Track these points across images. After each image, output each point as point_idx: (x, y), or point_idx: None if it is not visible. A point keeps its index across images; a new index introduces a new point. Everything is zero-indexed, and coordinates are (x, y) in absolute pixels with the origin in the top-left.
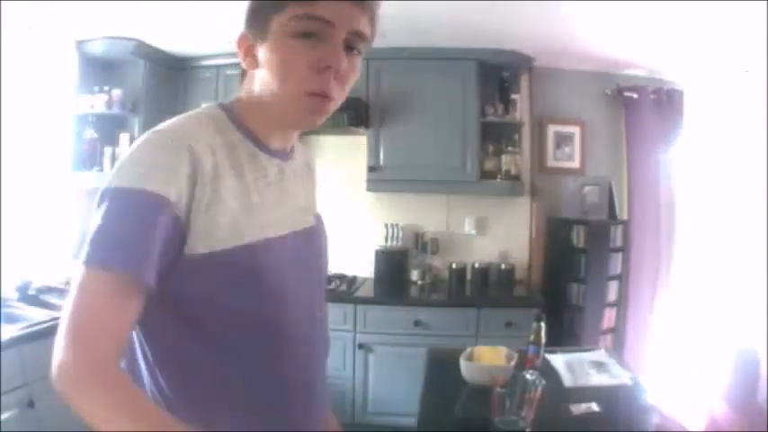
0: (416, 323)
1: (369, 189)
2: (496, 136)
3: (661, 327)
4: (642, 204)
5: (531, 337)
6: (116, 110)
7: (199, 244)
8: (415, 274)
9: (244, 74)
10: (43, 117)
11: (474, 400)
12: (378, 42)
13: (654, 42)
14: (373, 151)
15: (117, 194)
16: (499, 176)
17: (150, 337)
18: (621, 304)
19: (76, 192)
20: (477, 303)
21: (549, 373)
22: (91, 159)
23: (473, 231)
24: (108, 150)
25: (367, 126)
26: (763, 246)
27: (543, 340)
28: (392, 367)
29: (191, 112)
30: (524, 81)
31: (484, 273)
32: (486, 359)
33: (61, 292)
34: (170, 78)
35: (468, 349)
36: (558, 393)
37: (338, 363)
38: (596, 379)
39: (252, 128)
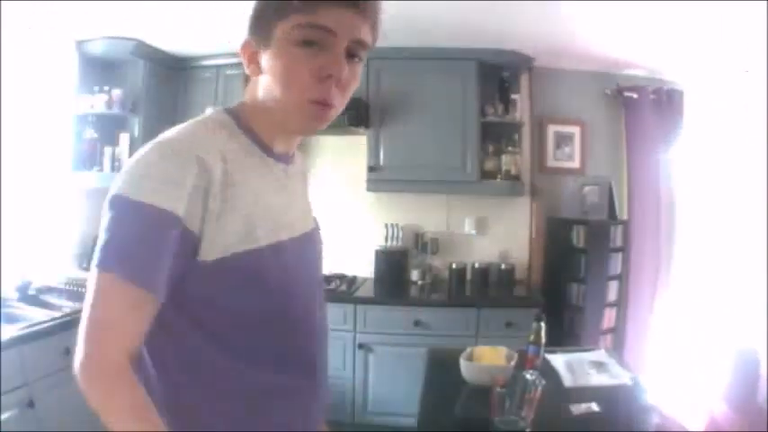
0: (416, 323)
1: (369, 189)
2: (496, 136)
3: (661, 327)
4: (642, 204)
5: (531, 337)
6: (116, 110)
7: (212, 250)
8: (415, 274)
9: (247, 79)
10: (43, 117)
11: (474, 400)
12: (378, 42)
13: (654, 42)
14: (373, 151)
15: (128, 205)
16: (499, 176)
17: (162, 337)
18: (621, 304)
19: (76, 192)
20: (477, 303)
21: (549, 373)
22: (91, 159)
23: (473, 231)
24: (108, 150)
25: (367, 126)
26: (763, 246)
27: (543, 340)
28: (392, 367)
29: (199, 119)
30: (524, 81)
31: (484, 273)
32: (486, 359)
33: (61, 292)
34: (170, 78)
35: (468, 349)
36: (558, 393)
37: (338, 363)
38: (596, 379)
39: (258, 133)
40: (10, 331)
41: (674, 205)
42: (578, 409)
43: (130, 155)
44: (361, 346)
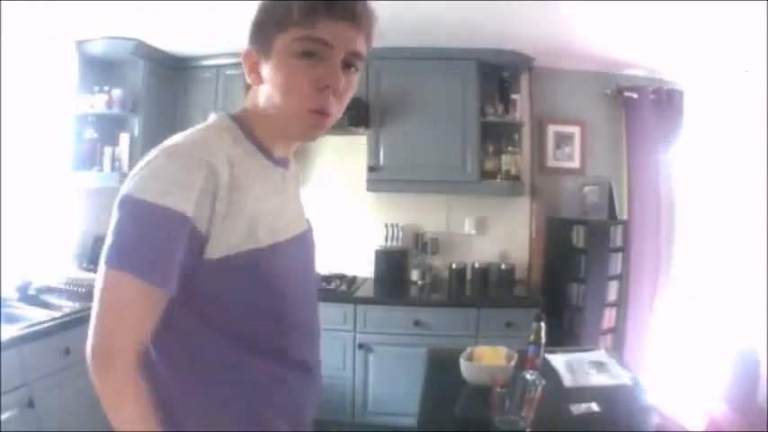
0: (416, 323)
1: (369, 189)
2: (496, 136)
3: (661, 327)
4: (642, 204)
5: (531, 337)
6: (116, 110)
7: (217, 249)
8: (415, 274)
9: (248, 85)
10: (43, 117)
11: (474, 400)
12: (378, 42)
13: (654, 42)
14: (373, 151)
15: (140, 206)
16: (499, 176)
17: (169, 334)
18: (621, 304)
19: (76, 192)
20: (477, 303)
21: (549, 373)
22: (91, 159)
23: (473, 231)
24: (108, 150)
25: (367, 126)
26: (763, 246)
27: (543, 340)
28: (392, 367)
29: (205, 124)
30: (524, 81)
31: (484, 273)
32: (486, 359)
33: (61, 292)
34: (170, 78)
35: (468, 349)
36: (558, 393)
37: (338, 363)
38: (596, 379)
39: (259, 138)
40: (10, 331)
41: (674, 205)
42: (578, 409)
43: (130, 155)
44: (361, 346)
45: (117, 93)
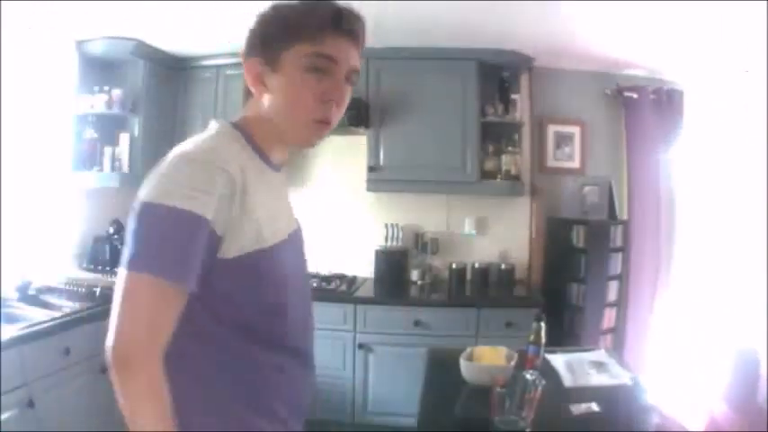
0: (416, 323)
1: (369, 189)
2: (496, 136)
3: (661, 327)
4: (642, 204)
5: (531, 337)
6: (116, 110)
7: (230, 249)
8: (415, 274)
9: (248, 94)
10: (43, 117)
11: (474, 400)
12: (378, 42)
13: (654, 42)
14: (373, 151)
15: (164, 211)
16: (499, 176)
17: (187, 330)
18: (621, 304)
19: (76, 192)
20: (477, 303)
21: (549, 373)
22: (91, 159)
23: (473, 231)
24: (108, 150)
25: (367, 126)
26: (763, 246)
27: (543, 340)
28: (392, 367)
29: (212, 133)
30: (524, 81)
31: (484, 273)
32: (486, 359)
33: (61, 292)
34: (170, 78)
35: (468, 349)
36: (558, 393)
37: (338, 363)
38: (596, 379)
39: (260, 145)
40: (10, 331)
41: (674, 205)
42: (578, 409)
43: (131, 155)
44: (361, 346)
45: (117, 93)
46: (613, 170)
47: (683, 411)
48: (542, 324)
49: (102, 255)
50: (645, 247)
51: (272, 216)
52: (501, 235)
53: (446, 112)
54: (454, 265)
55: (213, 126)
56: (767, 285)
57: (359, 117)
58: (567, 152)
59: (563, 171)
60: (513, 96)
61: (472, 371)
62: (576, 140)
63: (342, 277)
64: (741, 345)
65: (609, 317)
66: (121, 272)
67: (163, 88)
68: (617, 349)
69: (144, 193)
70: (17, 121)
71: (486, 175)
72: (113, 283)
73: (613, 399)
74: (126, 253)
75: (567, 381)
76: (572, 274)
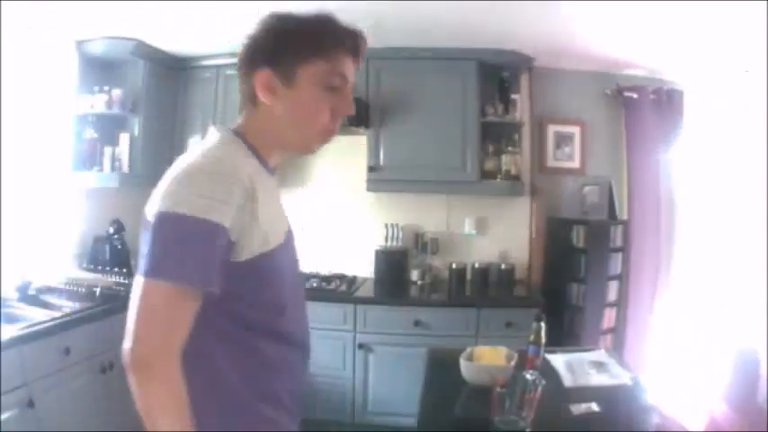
0: (416, 323)
1: (369, 189)
2: (496, 136)
3: (661, 327)
4: (642, 204)
5: (531, 337)
6: (116, 110)
7: (242, 253)
8: (415, 274)
9: (253, 99)
10: (43, 117)
11: (474, 400)
12: (378, 42)
13: (654, 42)
14: (373, 151)
15: (186, 220)
16: (499, 176)
17: (202, 330)
18: (621, 304)
19: (76, 192)
20: (477, 303)
21: (549, 373)
22: (91, 159)
23: (473, 231)
24: (108, 150)
25: (367, 126)
26: (763, 246)
27: (543, 340)
28: (392, 367)
29: (218, 143)
30: (524, 81)
31: (484, 273)
32: (486, 359)
33: (61, 292)
34: (170, 78)
35: (468, 349)
36: (558, 393)
37: (338, 363)
38: (596, 379)
39: (259, 151)
40: (10, 331)
41: (674, 205)
42: (578, 409)
43: (130, 155)
44: (361, 346)
45: (117, 93)
46: (613, 170)
47: (683, 411)
48: (542, 324)
49: (102, 255)
50: (645, 247)
51: (273, 220)
52: (501, 235)
53: (446, 112)
54: (454, 265)
55: (215, 134)
56: (767, 285)
57: (359, 117)
58: (567, 152)
59: (563, 171)
60: (513, 96)
61: (472, 371)
62: (576, 140)
63: (342, 277)
64: (741, 345)
65: (609, 317)
66: (139, 278)
67: (163, 88)
68: (617, 349)
69: (164, 203)
70: (17, 121)
71: (486, 175)
72: (113, 283)
73: (613, 399)
74: (146, 260)
75: (567, 381)
76: (572, 274)
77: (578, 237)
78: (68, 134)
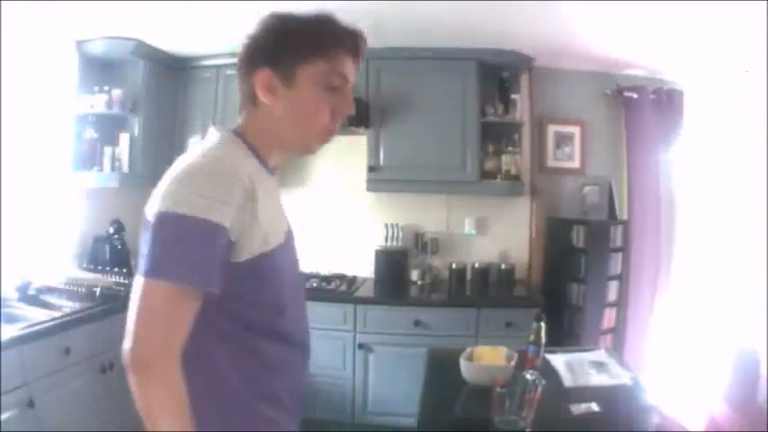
0: (416, 323)
1: (369, 189)
2: (496, 136)
3: (661, 327)
4: (642, 204)
5: (531, 337)
6: (116, 110)
7: (242, 253)
8: (415, 274)
9: (254, 99)
10: (43, 117)
11: (474, 400)
12: (378, 42)
13: (654, 42)
14: (373, 151)
15: (186, 220)
16: (499, 176)
17: (202, 331)
18: (621, 304)
19: (76, 192)
20: (477, 303)
21: (549, 373)
22: (91, 159)
23: (473, 231)
24: (108, 150)
25: (367, 126)
26: (763, 246)
27: (543, 340)
28: (392, 367)
29: (218, 143)
30: (524, 81)
31: (484, 273)
32: (486, 359)
33: (61, 292)
34: (170, 78)
35: (468, 349)
36: (558, 393)
37: (338, 363)
38: (596, 379)
39: (259, 151)
40: (10, 331)
41: (674, 205)
42: (578, 409)
43: (130, 155)
44: (361, 346)
45: (117, 93)
46: (613, 170)
47: (683, 411)
48: (542, 324)
49: (102, 255)
50: (645, 247)
51: (273, 220)
52: (501, 235)
53: (446, 112)
54: (454, 265)
55: (215, 134)
56: (767, 285)
57: (359, 117)
58: (567, 152)
59: (563, 171)
60: (513, 96)
61: (472, 371)
62: (576, 140)
63: (342, 277)
64: (741, 345)
65: (609, 317)
66: (139, 278)
67: (163, 88)
68: (617, 349)
69: (165, 203)
70: (17, 121)
71: (486, 175)
72: (113, 282)
73: (613, 399)
74: (146, 260)
75: (567, 381)
76: (572, 274)
77: (578, 237)
78: (68, 134)
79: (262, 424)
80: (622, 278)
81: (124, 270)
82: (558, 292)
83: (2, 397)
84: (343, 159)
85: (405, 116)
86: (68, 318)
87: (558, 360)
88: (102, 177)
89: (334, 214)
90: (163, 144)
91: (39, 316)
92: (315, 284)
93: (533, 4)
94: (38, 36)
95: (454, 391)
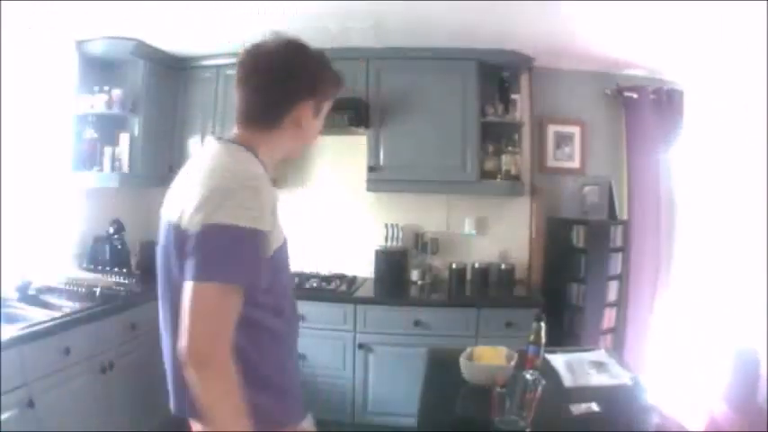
0: (416, 323)
1: (369, 189)
2: (496, 136)
3: (661, 327)
4: (642, 204)
5: (531, 337)
6: (116, 110)
7: (270, 249)
8: (415, 274)
9: (279, 122)
10: (43, 117)
11: (474, 400)
12: (378, 42)
13: (654, 42)
14: (373, 151)
15: (236, 229)
16: (499, 176)
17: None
18: (621, 304)
19: (76, 192)
20: (477, 303)
21: (549, 373)
22: (91, 159)
23: (473, 231)
24: (108, 150)
25: (367, 126)
26: (763, 246)
27: (543, 340)
28: (392, 367)
29: (244, 160)
30: (524, 81)
31: (484, 273)
32: (486, 359)
33: (61, 292)
34: (170, 78)
35: (468, 349)
36: (558, 393)
37: (338, 363)
38: (596, 379)
39: (264, 161)
40: (10, 331)
41: (674, 205)
42: (578, 409)
43: (130, 155)
44: (361, 346)
45: (117, 93)
46: (613, 170)
47: (683, 411)
48: (542, 324)
49: (102, 255)
50: (645, 247)
51: (279, 218)
52: (501, 235)
53: (446, 112)
54: (454, 265)
55: (237, 151)
56: (767, 285)
57: (359, 117)
58: (567, 152)
59: (563, 171)
60: (513, 96)
61: (472, 371)
62: (575, 140)
63: (342, 277)
64: (741, 345)
65: (609, 317)
66: (189, 283)
67: (163, 88)
68: (617, 349)
69: (215, 216)
70: (17, 121)
71: (486, 175)
72: (113, 282)
73: (613, 399)
74: (195, 266)
75: (567, 381)
76: (572, 274)
77: (578, 237)
78: (68, 134)
79: (280, 396)
80: (622, 278)
81: (124, 270)
82: (558, 292)
83: (2, 397)
84: (343, 159)
85: (405, 116)
86: (68, 318)
87: (558, 360)
88: (102, 177)
89: (334, 214)
90: (163, 144)
91: (39, 316)
92: (315, 284)
93: (533, 4)
94: (38, 36)
95: (454, 391)
